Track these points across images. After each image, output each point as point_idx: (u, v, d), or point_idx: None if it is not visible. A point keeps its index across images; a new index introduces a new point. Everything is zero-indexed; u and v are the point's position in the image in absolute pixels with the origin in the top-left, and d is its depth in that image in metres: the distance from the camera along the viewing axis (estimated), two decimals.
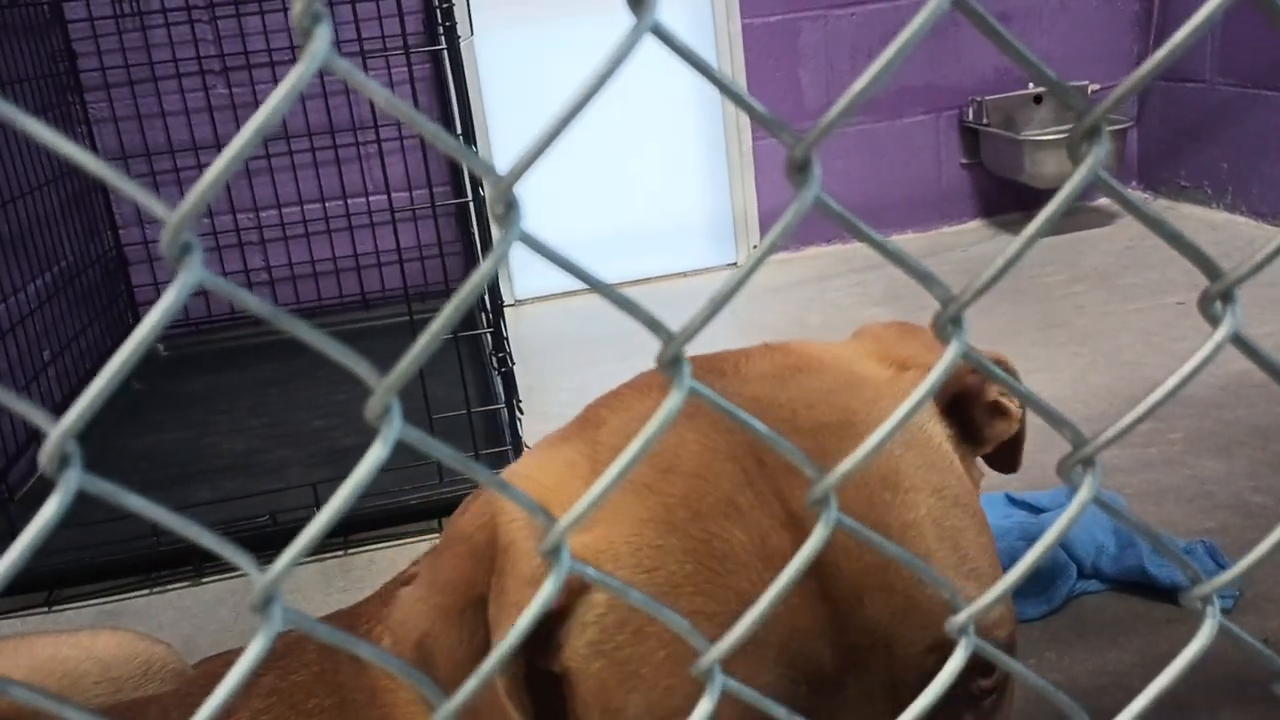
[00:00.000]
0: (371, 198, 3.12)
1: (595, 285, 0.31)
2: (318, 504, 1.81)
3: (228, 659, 0.90)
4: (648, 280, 3.27)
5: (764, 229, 3.34)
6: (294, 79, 0.25)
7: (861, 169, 3.37)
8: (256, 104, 3.01)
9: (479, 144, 3.09)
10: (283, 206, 3.09)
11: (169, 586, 1.78)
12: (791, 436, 0.54)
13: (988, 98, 3.32)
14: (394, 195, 3.00)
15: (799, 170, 0.31)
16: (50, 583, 1.77)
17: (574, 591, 0.53)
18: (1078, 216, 3.36)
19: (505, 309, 2.41)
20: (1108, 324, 2.48)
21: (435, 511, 1.86)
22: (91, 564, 1.77)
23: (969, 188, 3.48)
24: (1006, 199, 3.47)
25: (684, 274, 3.33)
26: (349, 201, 3.12)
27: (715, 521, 0.51)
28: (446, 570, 0.56)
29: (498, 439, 2.00)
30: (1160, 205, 3.41)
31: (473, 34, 3.03)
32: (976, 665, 0.51)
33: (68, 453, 0.28)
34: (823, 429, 0.55)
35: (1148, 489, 1.70)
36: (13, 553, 0.26)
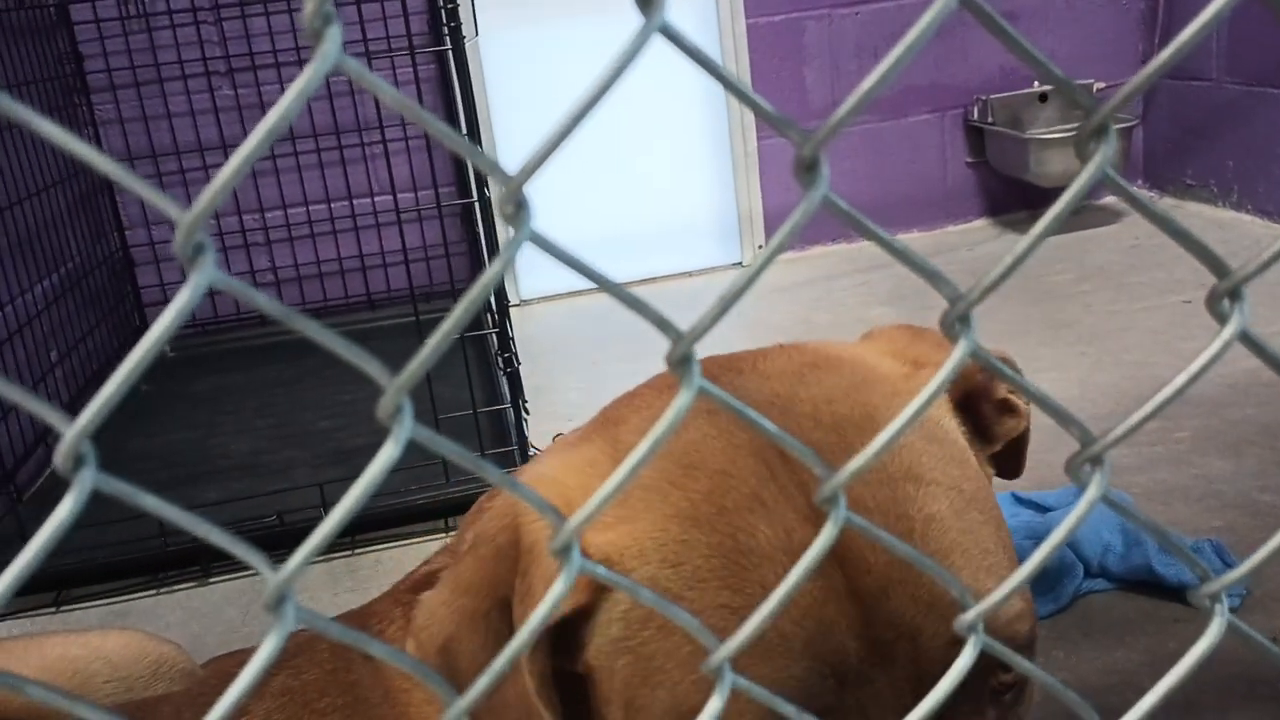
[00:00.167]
0: (377, 198, 3.12)
1: (604, 284, 0.31)
2: (324, 504, 1.81)
3: (238, 659, 0.90)
4: (653, 280, 3.27)
5: (769, 228, 3.34)
6: (305, 79, 0.26)
7: (867, 168, 3.37)
8: (262, 105, 3.01)
9: (483, 144, 3.10)
10: (289, 207, 3.10)
11: (176, 587, 1.78)
12: (814, 432, 0.54)
13: (993, 96, 3.31)
14: (399, 196, 3.01)
15: (807, 169, 0.31)
16: (59, 583, 1.77)
17: (598, 589, 0.53)
18: (1084, 215, 3.36)
19: (511, 309, 2.41)
20: (1114, 323, 2.47)
21: (442, 511, 1.86)
22: (100, 564, 1.77)
23: (974, 187, 3.48)
24: (1012, 198, 3.46)
25: (689, 274, 3.33)
26: (354, 202, 3.12)
27: (740, 516, 0.52)
28: (469, 573, 0.56)
29: (504, 439, 2.00)
30: (1166, 204, 3.41)
31: (477, 34, 3.04)
32: (997, 660, 0.52)
33: (82, 453, 0.28)
34: (845, 424, 0.55)
35: (1155, 488, 1.70)
36: (29, 551, 0.26)
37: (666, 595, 0.51)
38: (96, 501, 0.29)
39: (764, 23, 3.23)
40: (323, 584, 1.73)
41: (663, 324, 0.31)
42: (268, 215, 3.10)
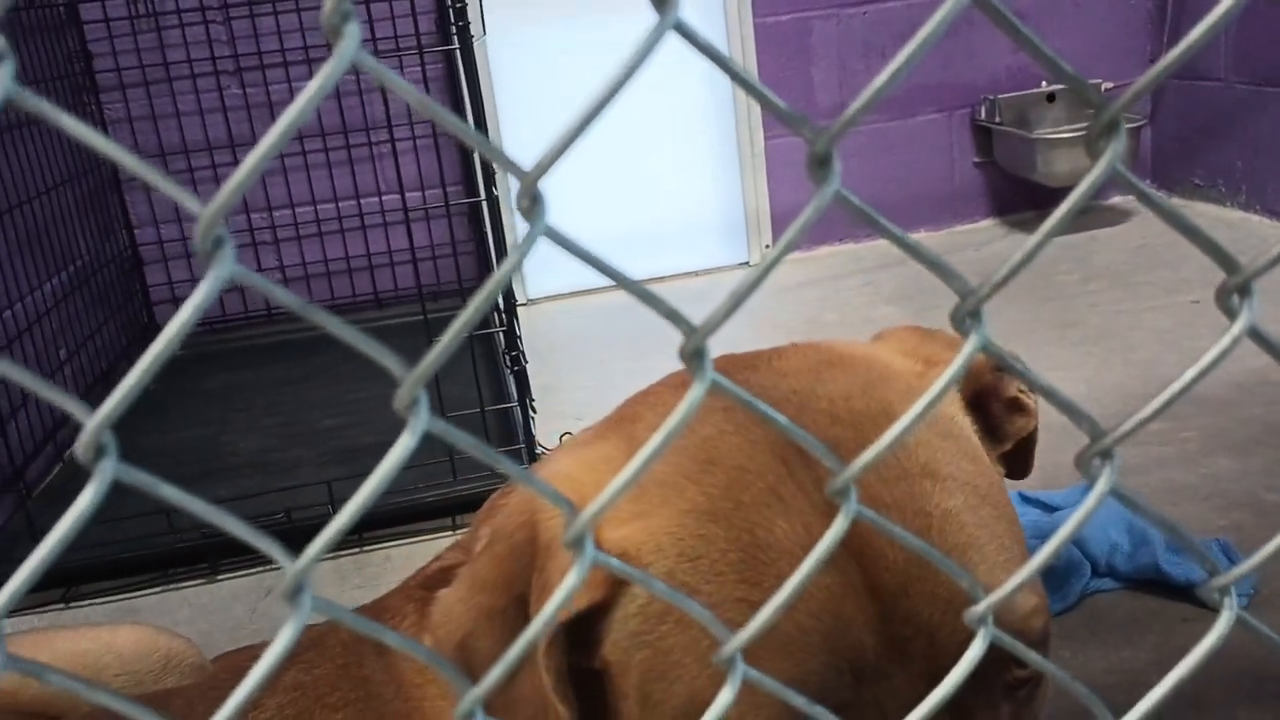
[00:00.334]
0: (385, 197, 3.13)
1: (617, 278, 0.31)
2: (332, 502, 1.82)
3: (247, 654, 0.91)
4: (660, 279, 3.28)
5: (776, 228, 3.35)
6: (325, 75, 0.26)
7: (874, 167, 3.37)
8: (270, 104, 3.02)
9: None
10: (296, 206, 3.11)
11: (185, 583, 1.79)
12: (832, 428, 0.55)
13: (1000, 96, 3.31)
14: (407, 195, 3.01)
15: (820, 165, 0.31)
16: (68, 579, 1.78)
17: (615, 585, 0.53)
18: (1091, 216, 3.35)
19: (518, 308, 2.41)
20: (1122, 323, 2.47)
21: (450, 509, 1.87)
22: (109, 561, 1.78)
23: (981, 186, 3.48)
24: (1019, 198, 3.46)
25: (696, 273, 3.34)
26: (362, 201, 3.13)
27: (758, 511, 0.52)
28: (486, 570, 0.57)
29: (511, 438, 2.00)
30: (1175, 204, 3.40)
31: (485, 34, 3.04)
32: (1012, 656, 0.52)
33: (104, 443, 0.28)
34: (862, 420, 0.55)
35: (1162, 488, 1.70)
36: (52, 538, 0.27)
37: (683, 589, 0.52)
38: (106, 497, 0.30)
39: (771, 22, 3.23)
40: (331, 581, 1.73)
41: (675, 318, 0.32)
42: (276, 214, 3.11)
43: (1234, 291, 0.33)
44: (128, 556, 1.79)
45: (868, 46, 3.28)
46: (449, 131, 0.29)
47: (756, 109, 3.25)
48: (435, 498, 1.86)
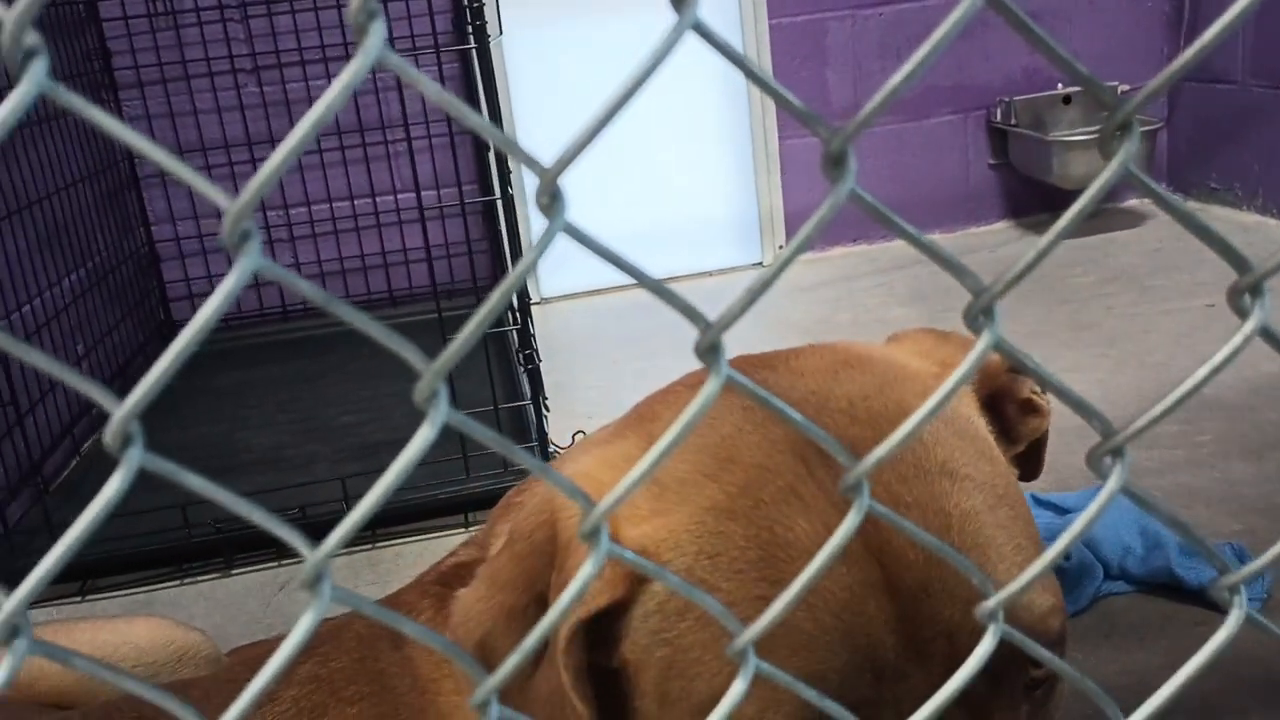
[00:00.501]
0: (400, 195, 3.14)
1: (634, 273, 0.32)
2: (346, 498, 1.83)
3: (262, 647, 0.91)
4: (673, 279, 3.28)
5: (790, 229, 3.34)
6: (351, 73, 0.26)
7: (889, 169, 3.37)
8: (288, 102, 3.04)
9: None
10: (313, 204, 3.12)
11: (200, 578, 1.80)
12: (851, 428, 0.55)
13: (1016, 98, 3.30)
14: (423, 193, 3.02)
15: (835, 164, 0.31)
16: (84, 573, 1.80)
17: (634, 583, 0.53)
18: (1107, 218, 3.34)
19: (531, 306, 2.42)
20: (1137, 325, 2.46)
21: (462, 507, 1.88)
22: (124, 555, 1.79)
23: (996, 188, 3.47)
24: (1034, 200, 3.45)
25: (709, 273, 3.34)
26: (378, 199, 3.14)
27: (777, 510, 0.52)
28: (506, 569, 0.57)
29: (524, 436, 2.01)
30: (1191, 207, 3.38)
31: (501, 33, 3.05)
32: (1030, 656, 0.52)
33: (131, 432, 0.29)
34: (881, 419, 0.55)
35: (1176, 491, 1.69)
36: (81, 524, 0.27)
37: (702, 586, 0.52)
38: (127, 489, 0.30)
39: (786, 23, 3.23)
40: (344, 577, 1.74)
41: (691, 313, 0.32)
42: (292, 211, 3.12)
43: (1245, 291, 0.33)
44: (144, 551, 1.81)
45: (883, 48, 3.28)
46: (470, 129, 0.29)
47: (771, 109, 3.25)
48: (448, 495, 1.87)
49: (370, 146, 3.10)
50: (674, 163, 3.31)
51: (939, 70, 3.31)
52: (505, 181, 2.12)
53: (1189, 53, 0.31)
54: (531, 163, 0.30)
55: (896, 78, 0.30)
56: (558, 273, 3.26)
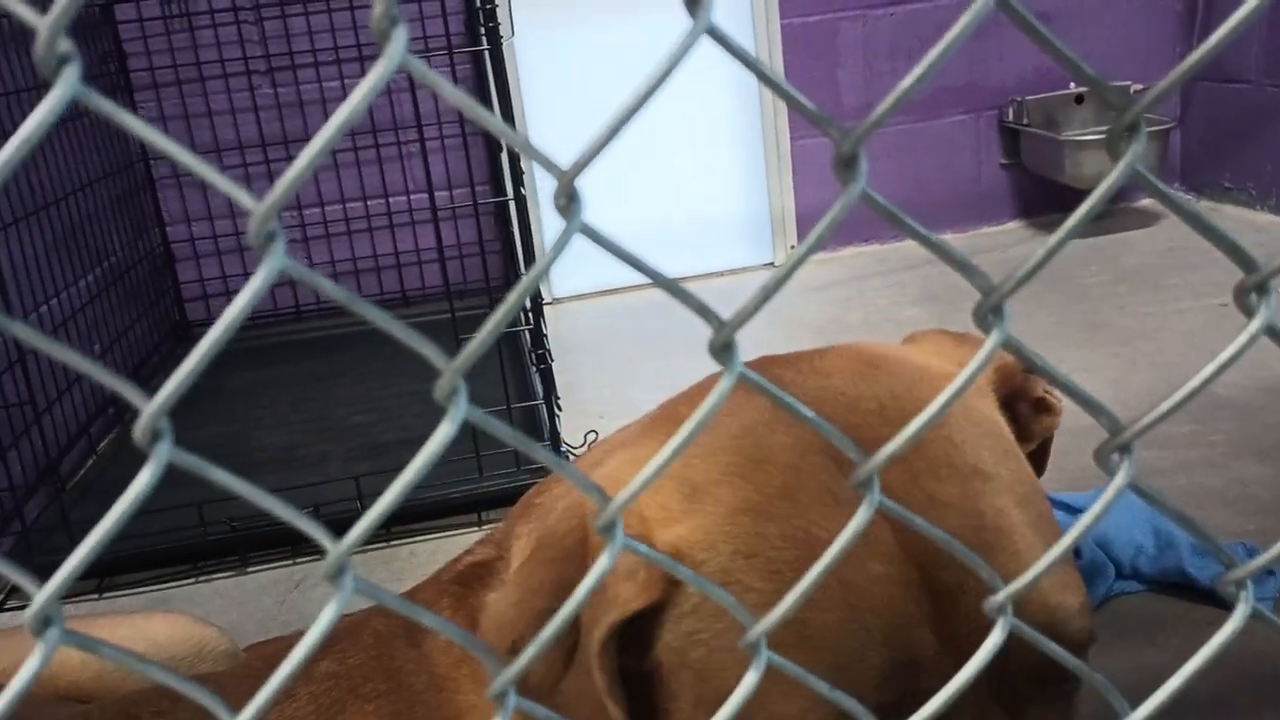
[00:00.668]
0: (413, 196, 3.15)
1: (649, 272, 0.32)
2: (360, 497, 1.84)
3: (278, 644, 0.92)
4: (685, 279, 3.28)
5: (802, 230, 3.35)
6: (375, 77, 0.27)
7: (900, 169, 3.37)
8: (302, 104, 3.05)
9: None
10: (326, 205, 3.14)
11: (215, 575, 1.81)
12: (882, 428, 0.55)
13: (1028, 97, 3.30)
14: (435, 194, 3.03)
15: (846, 166, 0.32)
16: (102, 571, 1.81)
17: (669, 585, 0.53)
18: (1120, 217, 3.33)
19: (544, 306, 2.43)
20: (1149, 325, 2.46)
21: (475, 505, 1.89)
22: (141, 553, 1.81)
23: (1008, 188, 3.46)
24: (1046, 200, 3.45)
25: (720, 274, 3.34)
26: (390, 200, 3.16)
27: (814, 509, 0.52)
28: (538, 575, 0.57)
29: (536, 436, 2.02)
30: (1203, 207, 3.38)
31: (513, 34, 3.06)
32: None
33: (159, 428, 0.30)
34: (910, 420, 0.56)
35: (1189, 491, 1.69)
36: (112, 516, 0.28)
37: (738, 587, 0.52)
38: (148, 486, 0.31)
39: (798, 23, 3.23)
40: (358, 574, 1.75)
41: (705, 311, 0.33)
42: (306, 212, 3.14)
43: (1252, 290, 0.33)
44: (160, 549, 1.82)
45: (895, 48, 3.28)
46: (485, 131, 0.30)
47: (783, 110, 3.25)
48: (461, 494, 1.88)
49: (384, 147, 3.11)
50: (686, 163, 3.31)
51: (951, 70, 3.31)
52: (518, 182, 2.13)
53: (1198, 53, 0.31)
54: (549, 165, 0.31)
55: (907, 80, 0.30)
56: (570, 273, 3.26)
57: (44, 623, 0.30)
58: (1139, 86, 3.27)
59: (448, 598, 0.70)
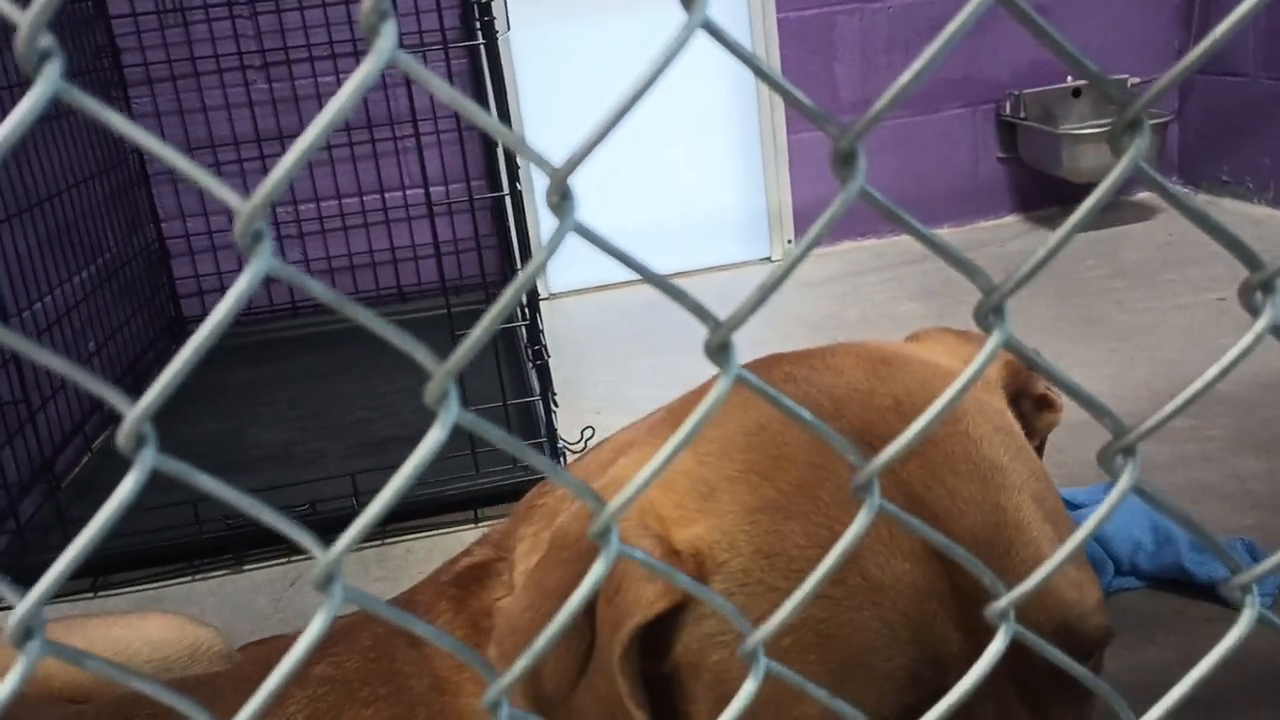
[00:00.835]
0: (409, 191, 3.14)
1: (645, 273, 0.32)
2: (356, 494, 1.84)
3: (272, 645, 0.92)
4: (682, 274, 3.28)
5: (799, 224, 3.34)
6: (364, 74, 0.26)
7: (897, 163, 3.36)
8: (296, 99, 3.04)
9: None
10: (321, 200, 3.13)
11: (210, 574, 1.81)
12: (897, 424, 0.55)
13: (1025, 91, 3.29)
14: (431, 189, 3.03)
15: (845, 163, 0.31)
16: (96, 569, 1.80)
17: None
18: (1117, 211, 3.33)
19: (540, 302, 2.42)
20: (1147, 320, 2.45)
21: (471, 503, 1.88)
22: (136, 551, 1.80)
23: (1006, 182, 3.46)
24: (1044, 193, 3.44)
25: (717, 268, 3.34)
26: (386, 195, 3.15)
27: (836, 508, 0.52)
28: (553, 577, 0.56)
29: (533, 431, 2.01)
30: (1201, 200, 3.37)
31: (509, 28, 3.05)
32: (1086, 653, 0.53)
33: (144, 433, 0.29)
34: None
35: (1187, 486, 1.69)
36: (97, 522, 0.27)
37: (760, 587, 0.52)
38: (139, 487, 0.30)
39: (794, 17, 3.22)
40: (353, 572, 1.75)
41: (701, 312, 0.32)
42: (301, 208, 3.13)
43: (1257, 289, 0.33)
44: (155, 547, 1.82)
45: (891, 41, 3.27)
46: (481, 128, 0.29)
47: (780, 104, 3.24)
48: (457, 491, 1.87)
49: (379, 142, 3.10)
50: (682, 158, 3.30)
51: (947, 64, 3.30)
52: (514, 177, 2.12)
53: (1199, 49, 0.31)
54: (542, 162, 0.30)
55: (906, 76, 0.30)
56: (566, 268, 3.26)
57: (26, 634, 0.29)
58: (1136, 80, 3.26)
59: (446, 600, 0.69)
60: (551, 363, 2.14)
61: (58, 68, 0.26)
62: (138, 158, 3.02)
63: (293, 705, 0.68)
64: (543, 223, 3.12)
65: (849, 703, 0.50)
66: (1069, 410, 0.68)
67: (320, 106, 3.02)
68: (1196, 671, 0.37)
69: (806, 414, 0.35)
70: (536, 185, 3.08)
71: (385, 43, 0.27)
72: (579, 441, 2.05)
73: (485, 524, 1.84)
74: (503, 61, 2.08)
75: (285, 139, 3.02)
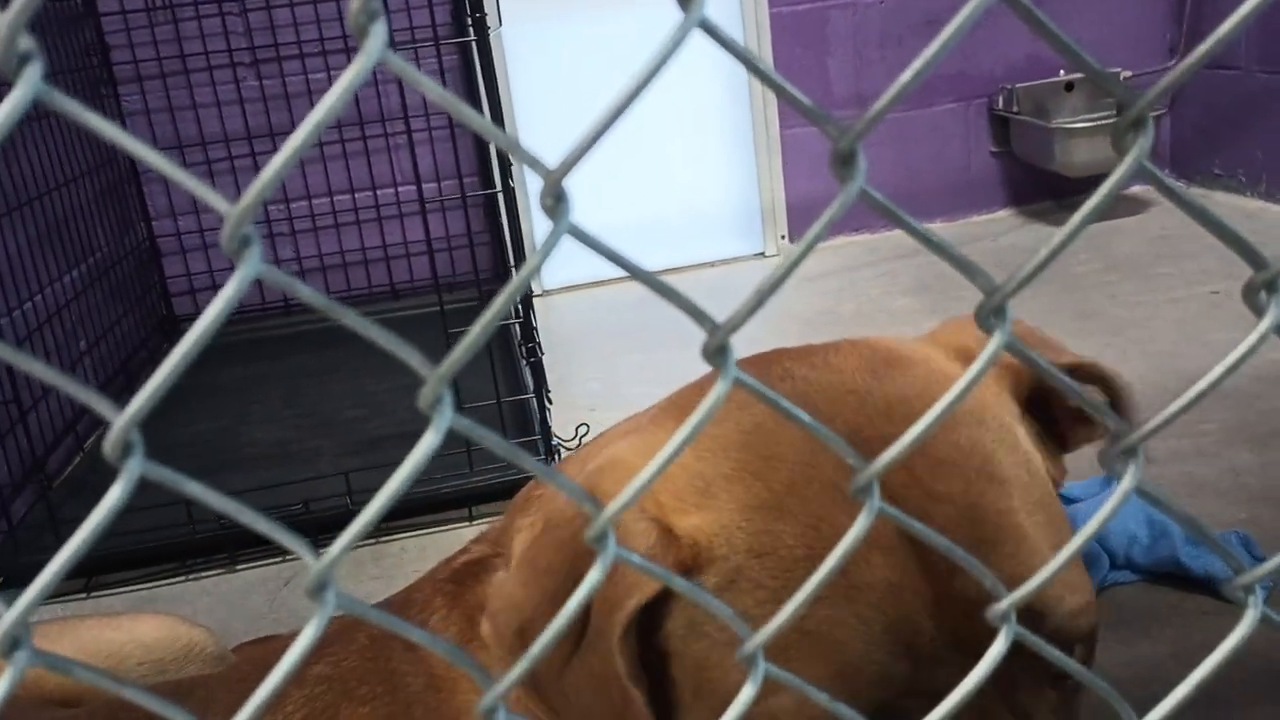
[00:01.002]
0: (401, 188, 3.13)
1: (640, 275, 0.31)
2: (350, 493, 1.83)
3: (267, 645, 0.91)
4: (674, 270, 3.27)
5: (792, 219, 3.34)
6: (353, 74, 0.26)
7: (890, 157, 3.36)
8: (287, 96, 3.03)
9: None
10: (313, 198, 3.12)
11: (204, 574, 1.80)
12: (887, 427, 0.55)
13: (1018, 85, 3.29)
14: (423, 186, 3.02)
15: (844, 163, 0.31)
16: (89, 570, 1.80)
17: (684, 571, 0.53)
18: (1111, 205, 3.33)
19: (534, 299, 2.41)
20: (1141, 314, 2.46)
21: (466, 500, 1.88)
22: (129, 551, 1.79)
23: (998, 176, 3.46)
24: (1036, 188, 3.44)
25: (711, 264, 3.33)
26: (379, 192, 3.13)
27: (824, 507, 0.53)
28: (547, 555, 0.57)
29: (527, 429, 2.01)
30: (1194, 194, 3.37)
31: (501, 24, 3.04)
32: (1065, 644, 0.53)
33: (131, 441, 0.28)
34: (919, 420, 0.55)
35: (1182, 480, 1.69)
36: (84, 530, 0.27)
37: (752, 584, 0.52)
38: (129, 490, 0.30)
39: (787, 12, 3.21)
40: (348, 571, 1.74)
41: (698, 314, 0.32)
42: (293, 205, 3.12)
43: (1261, 288, 0.32)
44: (148, 547, 1.81)
45: (885, 36, 3.27)
46: (473, 129, 0.29)
47: (773, 99, 3.24)
48: (452, 489, 1.87)
49: (370, 139, 3.09)
50: (676, 153, 3.30)
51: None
52: (506, 174, 2.11)
53: (1203, 47, 0.30)
54: (535, 164, 0.30)
55: (906, 76, 0.29)
56: (560, 265, 3.25)
57: (12, 644, 0.28)
58: (1128, 74, 3.26)
59: (443, 597, 0.69)
60: (545, 360, 2.13)
61: (38, 70, 0.25)
62: (128, 156, 3.00)
63: (290, 705, 0.68)
64: (536, 219, 3.11)
65: (808, 700, 0.50)
66: None
67: (311, 103, 3.00)
68: (1200, 671, 0.36)
69: (806, 416, 0.34)
70: (529, 181, 3.07)
71: (375, 43, 0.26)
72: (573, 439, 2.04)
73: (480, 521, 1.84)
74: (495, 58, 2.07)
75: (276, 137, 3.01)
